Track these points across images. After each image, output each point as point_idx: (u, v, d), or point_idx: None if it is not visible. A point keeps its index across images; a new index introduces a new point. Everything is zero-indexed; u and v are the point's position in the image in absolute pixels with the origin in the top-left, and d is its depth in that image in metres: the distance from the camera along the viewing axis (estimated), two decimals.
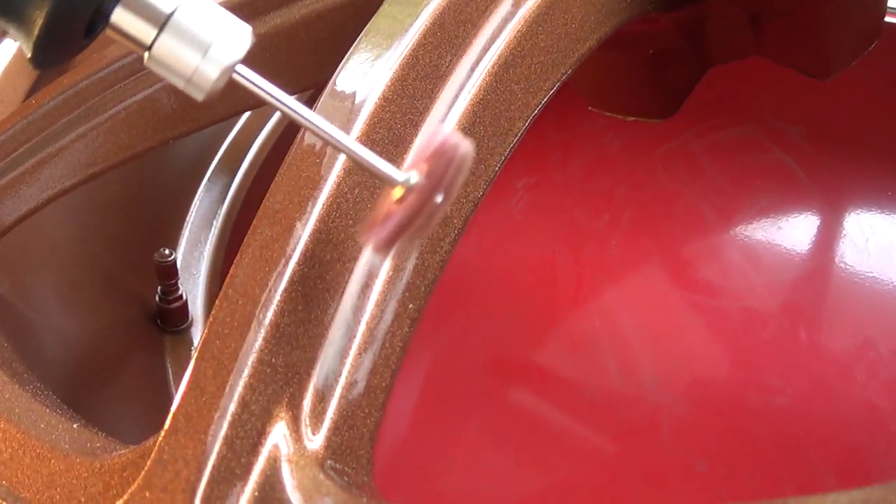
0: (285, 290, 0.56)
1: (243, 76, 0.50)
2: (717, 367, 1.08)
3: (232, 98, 0.81)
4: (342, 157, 0.60)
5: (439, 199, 0.48)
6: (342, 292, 0.58)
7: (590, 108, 1.02)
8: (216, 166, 1.17)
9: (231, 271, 0.58)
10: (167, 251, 1.00)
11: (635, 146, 1.17)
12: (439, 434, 1.13)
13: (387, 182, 0.51)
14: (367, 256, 0.60)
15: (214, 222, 1.14)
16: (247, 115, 1.18)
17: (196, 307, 1.05)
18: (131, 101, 0.85)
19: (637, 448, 1.05)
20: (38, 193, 0.84)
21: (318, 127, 0.52)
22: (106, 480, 0.55)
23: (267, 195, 0.61)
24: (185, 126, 0.85)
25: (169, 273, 1.01)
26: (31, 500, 0.58)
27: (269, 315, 0.55)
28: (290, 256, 0.57)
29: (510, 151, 0.69)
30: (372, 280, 0.59)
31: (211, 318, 0.57)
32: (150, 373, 1.01)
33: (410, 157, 0.60)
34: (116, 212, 1.06)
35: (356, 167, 0.60)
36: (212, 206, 1.15)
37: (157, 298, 1.03)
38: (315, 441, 0.54)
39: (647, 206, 1.17)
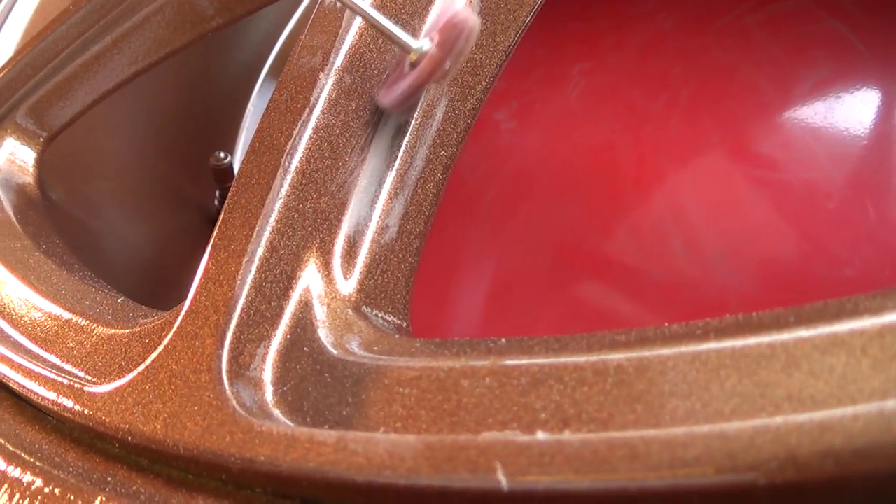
0: (310, 137, 0.54)
1: None
2: (783, 241, 1.03)
3: None
4: (355, 24, 0.58)
5: (448, 65, 0.51)
6: (370, 140, 0.56)
7: None
8: (269, 70, 1.15)
9: (258, 126, 0.56)
10: (223, 154, 0.98)
11: (689, 24, 1.13)
12: (513, 329, 1.11)
13: (402, 48, 0.54)
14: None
15: None
16: (295, 18, 1.16)
17: None
18: None
19: None
20: (83, 97, 0.83)
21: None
22: (145, 342, 0.54)
23: (290, 56, 0.59)
24: (222, 17, 0.83)
25: (225, 176, 1.00)
26: (75, 369, 0.56)
27: (295, 162, 0.53)
28: (314, 105, 0.55)
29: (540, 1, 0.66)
30: (402, 127, 0.57)
31: (238, 173, 0.54)
32: None
33: (425, 27, 0.59)
34: (172, 121, 1.04)
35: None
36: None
37: (215, 202, 1.02)
38: (348, 284, 0.51)
39: (705, 83, 1.12)
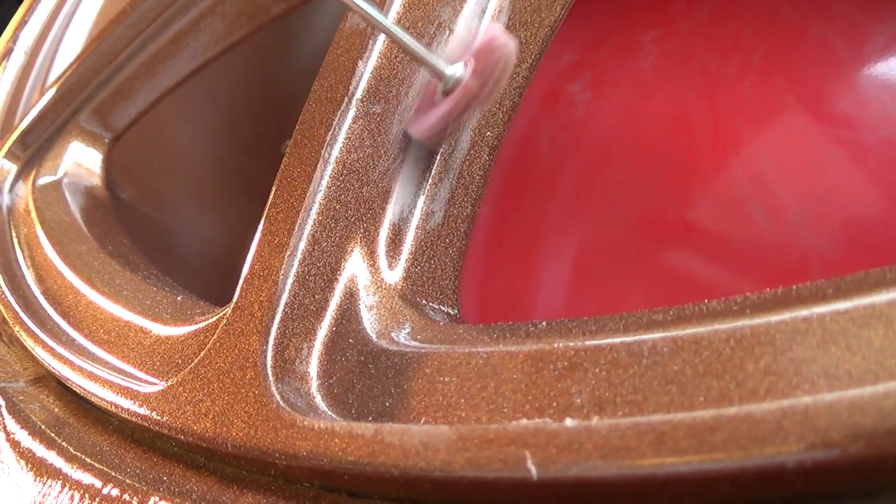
0: (350, 127, 0.54)
1: None
2: (863, 201, 1.01)
3: None
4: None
5: (484, 96, 0.49)
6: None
7: None
8: None
9: (300, 118, 0.56)
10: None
11: None
12: (599, 302, 1.10)
13: (434, 73, 0.51)
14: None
15: None
16: None
17: None
18: None
19: None
20: (146, 96, 0.84)
21: (373, 17, 0.51)
22: (199, 339, 0.54)
23: (330, 45, 0.59)
24: (279, 7, 0.83)
25: None
26: (134, 370, 0.57)
27: (335, 152, 0.53)
28: (353, 94, 0.55)
29: None
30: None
31: (281, 167, 0.55)
32: None
33: (454, 47, 0.57)
34: (242, 110, 1.05)
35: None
36: None
37: None
38: (394, 273, 0.51)
39: (777, 44, 1.10)
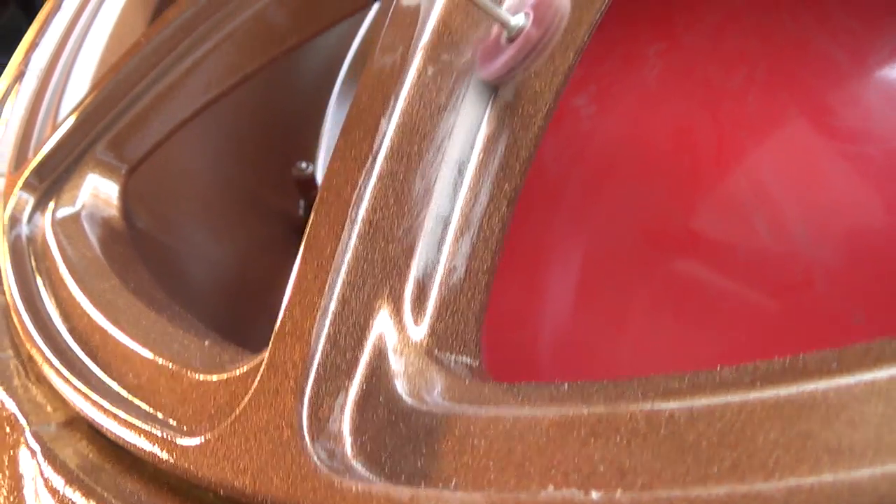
0: (375, 186, 0.58)
1: None
2: (867, 214, 1.05)
3: (330, 7, 0.83)
4: (419, 56, 0.61)
5: (545, 44, 0.56)
6: (433, 181, 0.59)
7: None
8: (345, 75, 1.19)
9: (325, 174, 0.60)
10: (304, 164, 1.03)
11: None
12: (605, 313, 1.14)
13: (500, 22, 0.58)
14: (455, 142, 0.60)
15: None
16: (367, 23, 1.20)
17: None
18: (235, 23, 0.87)
19: (794, 306, 1.04)
20: (160, 127, 0.87)
21: None
22: (232, 390, 0.58)
23: (353, 98, 0.62)
24: (293, 38, 0.87)
25: (309, 186, 1.05)
26: (167, 418, 0.61)
27: (362, 212, 0.57)
28: (377, 153, 0.58)
29: (599, 16, 0.68)
30: (464, 165, 0.60)
31: (310, 223, 0.59)
32: None
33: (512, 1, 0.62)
34: (251, 133, 1.09)
35: (439, 48, 0.61)
36: (350, 102, 1.17)
37: (300, 212, 1.07)
38: (419, 330, 0.55)
39: (780, 57, 1.13)
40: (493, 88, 0.62)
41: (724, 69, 1.15)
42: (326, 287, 0.55)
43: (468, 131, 0.60)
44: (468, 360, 0.56)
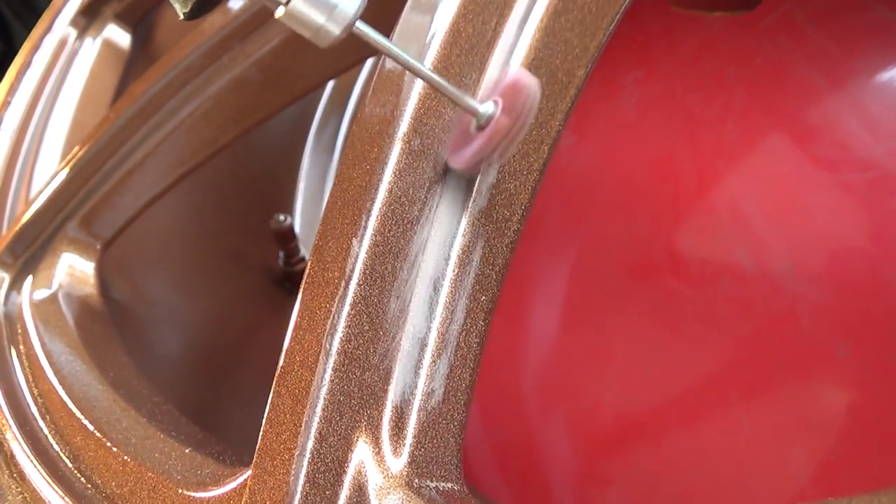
0: (349, 314, 0.57)
1: (360, 29, 0.55)
2: (848, 244, 1.05)
3: (302, 79, 0.83)
4: (389, 166, 0.61)
5: (515, 132, 0.55)
6: (409, 300, 0.59)
7: (672, 7, 1.00)
8: (317, 127, 1.19)
9: (299, 298, 0.60)
10: (282, 217, 1.03)
11: (739, 22, 1.13)
12: (588, 347, 1.14)
13: (469, 112, 0.58)
14: (429, 257, 0.60)
15: (329, 168, 1.16)
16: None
17: None
18: (205, 97, 0.86)
19: (778, 339, 1.04)
20: (133, 202, 0.87)
21: (421, 69, 0.57)
22: None
23: (323, 213, 0.62)
24: (264, 112, 0.86)
25: (287, 238, 1.04)
26: None
27: (336, 343, 0.57)
28: (350, 278, 0.58)
29: (573, 105, 0.68)
30: (439, 281, 0.60)
31: (284, 351, 0.58)
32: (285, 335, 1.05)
33: (482, 89, 0.63)
34: (229, 186, 1.09)
35: (410, 156, 0.61)
36: (322, 158, 1.17)
37: (280, 263, 1.06)
38: (398, 460, 0.55)
39: (758, 83, 1.13)
40: (466, 195, 0.62)
41: (702, 96, 1.14)
42: (303, 425, 0.55)
43: (442, 244, 0.60)
44: (449, 486, 0.57)
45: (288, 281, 1.08)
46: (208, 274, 1.05)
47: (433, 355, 0.58)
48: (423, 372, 0.58)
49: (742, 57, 1.14)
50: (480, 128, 0.58)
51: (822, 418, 1.03)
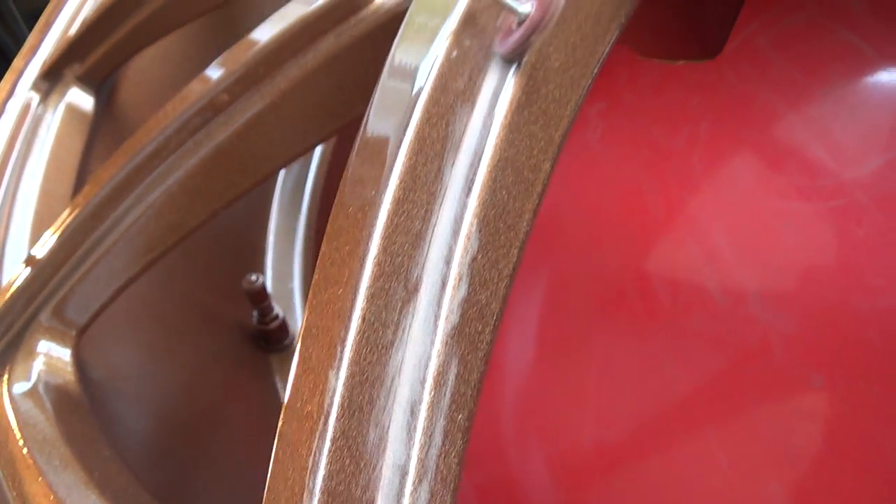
0: (329, 450, 0.58)
1: None
2: (818, 274, 1.07)
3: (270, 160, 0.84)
4: (360, 296, 0.62)
5: (547, 20, 0.67)
6: (387, 427, 0.60)
7: (639, 56, 1.01)
8: (282, 184, 1.20)
9: (279, 432, 0.61)
10: (254, 276, 1.04)
11: None
12: (563, 374, 1.16)
13: (512, 11, 0.68)
14: (405, 381, 0.61)
15: (297, 225, 1.17)
16: None
17: (295, 321, 1.09)
18: (171, 181, 0.87)
19: (752, 372, 1.06)
20: (104, 290, 0.88)
21: None
22: None
23: (299, 342, 0.63)
24: (230, 193, 0.87)
25: (260, 297, 1.05)
26: None
27: (319, 482, 0.58)
28: (329, 412, 0.59)
29: (540, 202, 0.69)
30: (416, 405, 0.61)
31: (267, 487, 0.60)
32: (261, 394, 1.06)
33: None
34: (197, 244, 1.09)
35: (381, 278, 0.62)
36: (290, 211, 1.18)
37: (255, 321, 1.07)
38: None
39: (723, 113, 1.14)
40: (438, 313, 0.63)
41: (667, 127, 1.16)
42: None
43: (417, 366, 0.61)
44: None
45: (262, 339, 1.09)
46: (181, 337, 1.06)
47: (414, 483, 0.59)
48: (406, 501, 0.59)
49: (706, 86, 1.15)
50: (520, 23, 0.68)
51: (796, 447, 1.05)
